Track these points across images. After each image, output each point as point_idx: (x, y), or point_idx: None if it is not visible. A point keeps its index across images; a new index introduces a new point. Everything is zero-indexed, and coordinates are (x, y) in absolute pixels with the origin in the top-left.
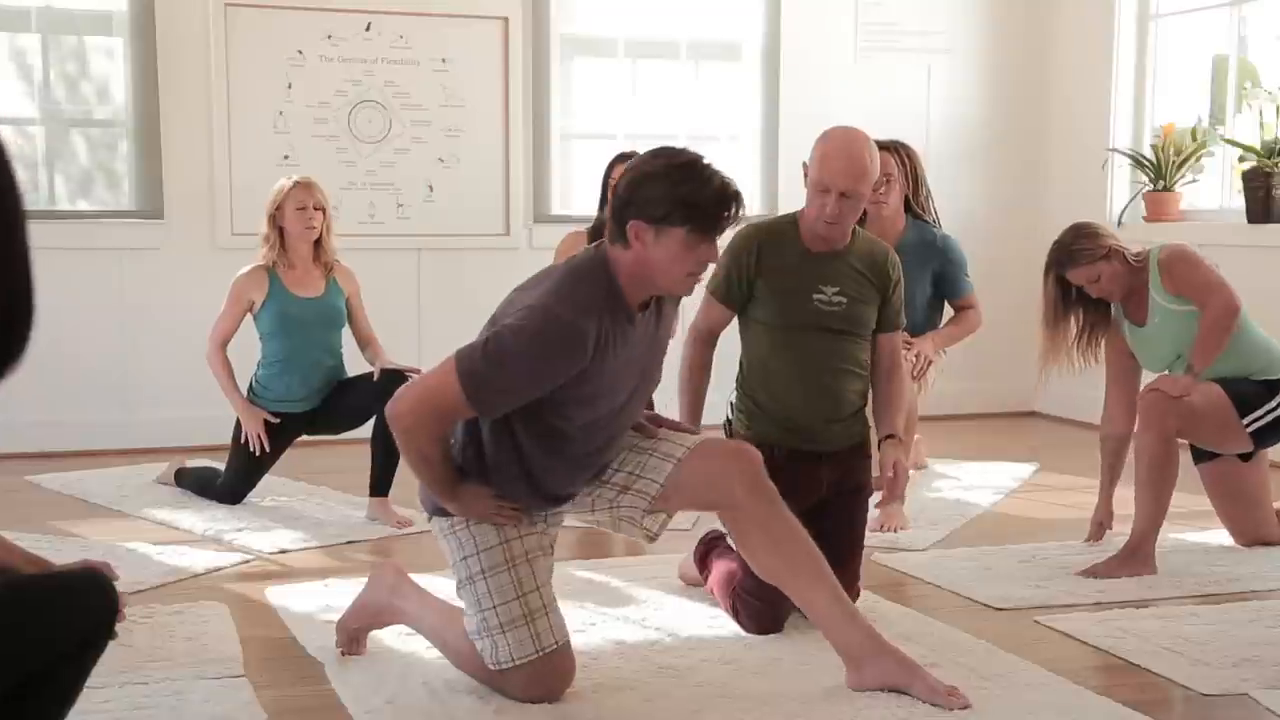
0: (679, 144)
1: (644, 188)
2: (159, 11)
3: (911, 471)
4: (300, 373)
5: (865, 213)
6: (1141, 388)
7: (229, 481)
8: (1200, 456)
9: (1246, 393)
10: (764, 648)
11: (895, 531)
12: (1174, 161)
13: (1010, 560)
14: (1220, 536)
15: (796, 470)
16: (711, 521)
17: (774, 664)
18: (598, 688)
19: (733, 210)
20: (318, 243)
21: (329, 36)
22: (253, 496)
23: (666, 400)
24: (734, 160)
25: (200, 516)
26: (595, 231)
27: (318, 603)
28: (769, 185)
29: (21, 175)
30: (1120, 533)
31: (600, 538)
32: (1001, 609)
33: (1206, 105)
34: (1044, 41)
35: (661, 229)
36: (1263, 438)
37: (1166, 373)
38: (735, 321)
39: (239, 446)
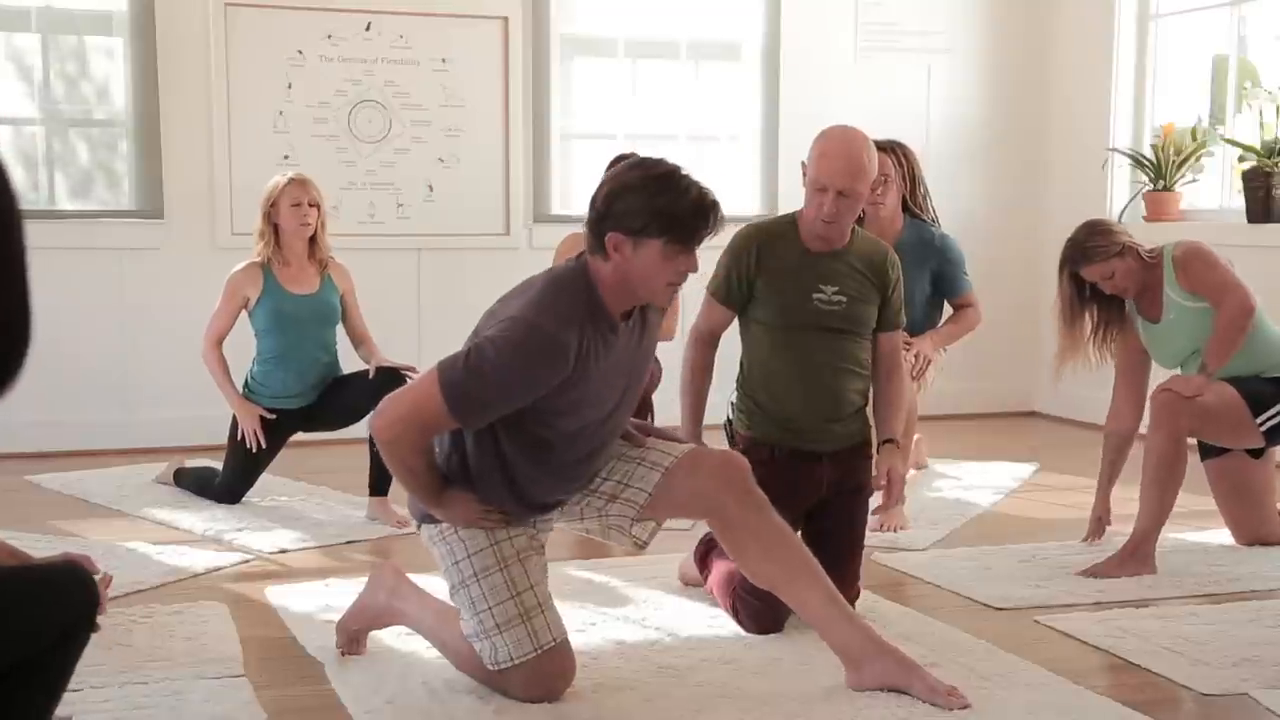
0: (679, 144)
1: (621, 199)
2: (159, 11)
3: (912, 471)
4: (295, 369)
5: (863, 213)
6: (1151, 385)
7: (227, 480)
8: (1208, 452)
9: (1259, 391)
10: (764, 648)
11: (895, 531)
12: (1174, 161)
13: (1010, 560)
14: (1220, 536)
15: (797, 470)
16: None
17: (774, 664)
18: (598, 688)
19: (710, 221)
20: (313, 239)
21: (329, 36)
22: (253, 496)
23: (669, 400)
24: (734, 160)
25: (200, 516)
26: None
27: (318, 603)
28: (769, 185)
29: (21, 187)
30: (1120, 532)
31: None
32: (1001, 609)
33: (1206, 105)
34: (1044, 41)
35: (640, 240)
36: (1275, 436)
37: (1179, 370)
38: (736, 322)
39: (236, 444)
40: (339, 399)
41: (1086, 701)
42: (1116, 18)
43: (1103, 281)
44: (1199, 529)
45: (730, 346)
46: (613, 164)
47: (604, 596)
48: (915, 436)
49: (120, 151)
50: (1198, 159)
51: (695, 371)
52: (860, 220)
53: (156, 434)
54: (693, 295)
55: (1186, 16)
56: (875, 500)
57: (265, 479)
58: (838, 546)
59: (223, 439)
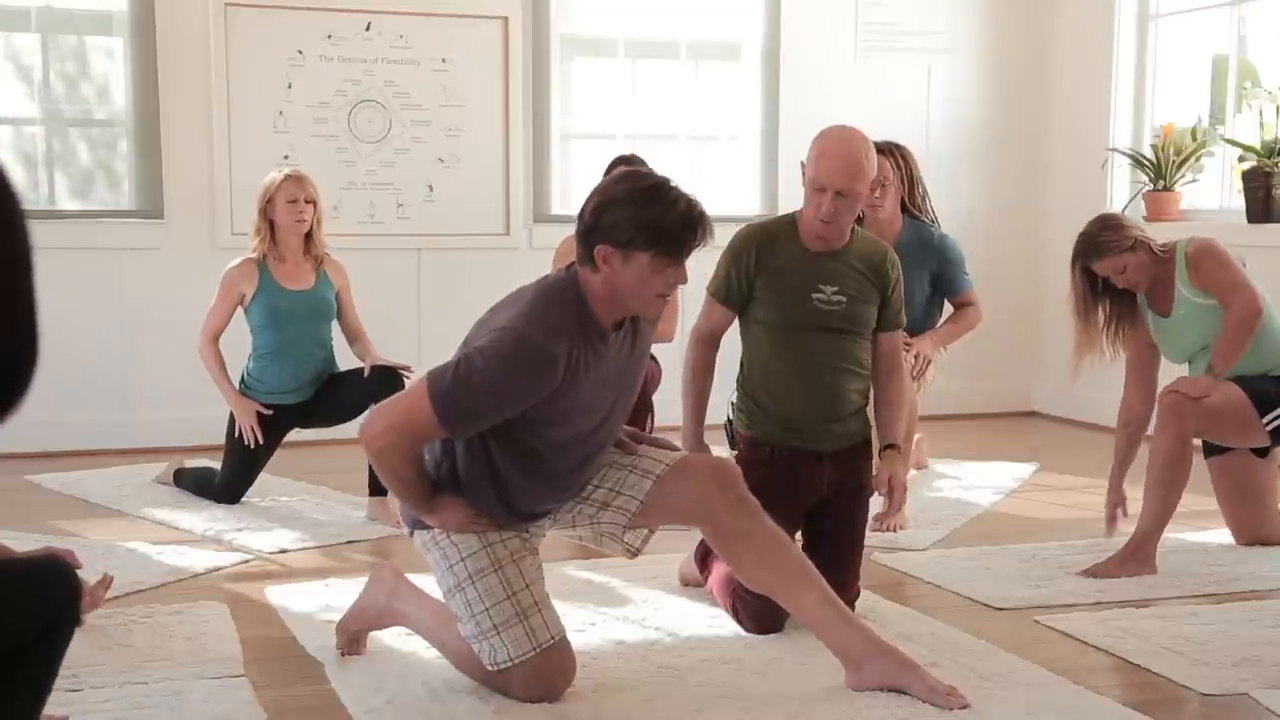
0: (679, 144)
1: (609, 213)
2: (159, 11)
3: (912, 471)
4: (290, 365)
5: (862, 215)
6: (1160, 380)
7: (226, 478)
8: (1211, 450)
9: (1265, 391)
10: (764, 648)
11: (895, 531)
12: (1174, 161)
13: (1010, 560)
14: (1220, 536)
15: (797, 470)
16: None
17: (774, 664)
18: (598, 688)
19: (699, 234)
20: (308, 236)
21: (329, 36)
22: (252, 496)
23: (669, 400)
24: (734, 160)
25: (200, 516)
26: None
27: (318, 603)
28: (769, 185)
29: (21, 187)
30: (1122, 532)
31: None
32: (1001, 609)
33: (1206, 105)
34: (1044, 41)
35: (628, 253)
36: None
37: (1188, 363)
38: (736, 322)
39: (233, 441)
40: (335, 396)
41: (1086, 701)
42: (1116, 18)
43: (1115, 276)
44: (1199, 529)
45: (731, 346)
46: (613, 165)
47: (604, 596)
48: (916, 436)
49: (120, 151)
50: (1198, 159)
51: (696, 372)
52: (859, 221)
53: (156, 434)
54: (693, 296)
55: (1186, 16)
56: (876, 503)
57: (265, 479)
58: (838, 546)
59: (222, 439)
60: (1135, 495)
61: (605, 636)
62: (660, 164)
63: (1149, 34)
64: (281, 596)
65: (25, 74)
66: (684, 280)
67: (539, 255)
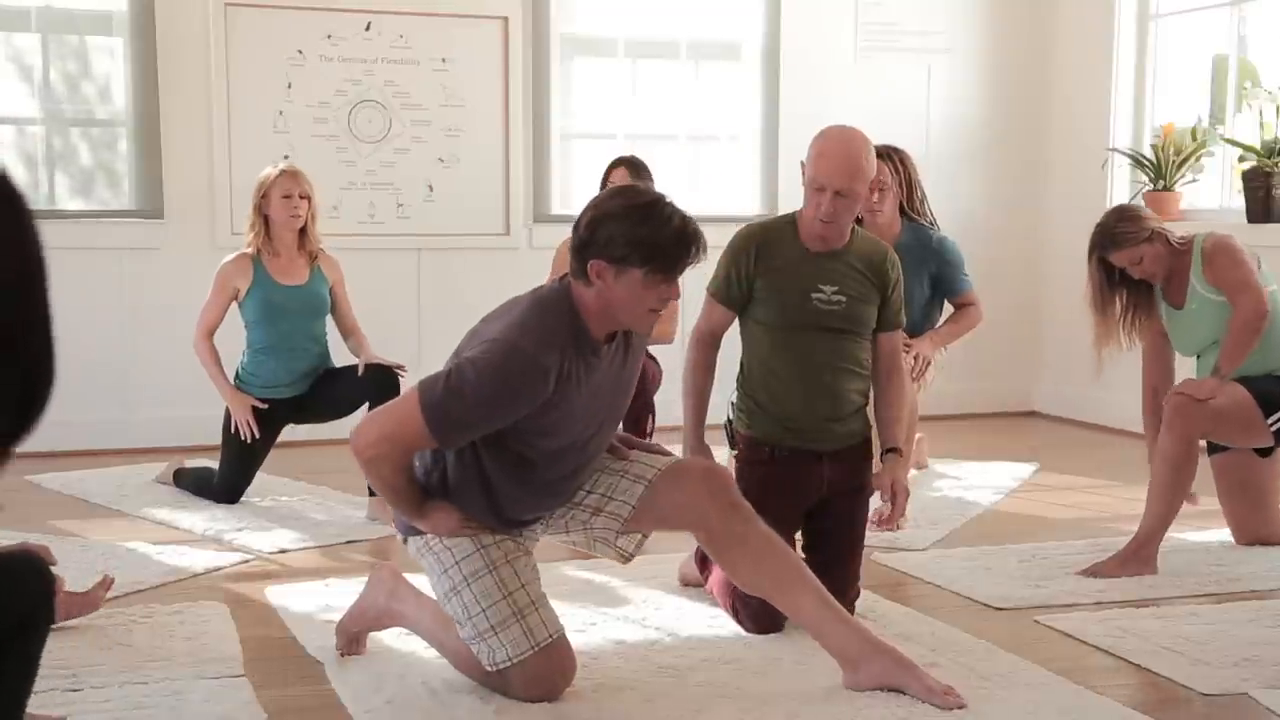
0: (679, 144)
1: (603, 228)
2: (159, 11)
3: (913, 471)
4: (285, 360)
5: (861, 219)
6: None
7: (224, 475)
8: (1214, 448)
9: (1271, 391)
10: (764, 648)
11: (895, 530)
12: (1174, 161)
13: (1010, 560)
14: (1220, 535)
15: (797, 470)
16: None
17: (774, 664)
18: (598, 688)
19: (692, 251)
20: (303, 231)
21: (329, 36)
22: (253, 496)
23: (670, 400)
24: (734, 160)
25: (200, 516)
26: None
27: (318, 603)
28: (769, 185)
29: (21, 187)
30: (1124, 531)
31: None
32: (1001, 609)
33: (1206, 105)
34: (1044, 41)
35: (621, 269)
36: None
37: (1196, 358)
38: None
39: (230, 436)
40: (330, 392)
41: (1086, 701)
42: (1116, 18)
43: (1131, 266)
44: (1199, 529)
45: (731, 346)
46: (612, 166)
47: (603, 596)
48: (917, 436)
49: (120, 151)
50: (1198, 159)
51: (696, 372)
52: (859, 224)
53: (156, 434)
54: (693, 297)
55: (1186, 16)
56: (875, 502)
57: (265, 479)
58: (838, 546)
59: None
60: (1136, 496)
61: (605, 636)
62: (660, 164)
63: (1149, 34)
64: (281, 596)
65: (26, 74)
66: (677, 296)
67: (539, 255)
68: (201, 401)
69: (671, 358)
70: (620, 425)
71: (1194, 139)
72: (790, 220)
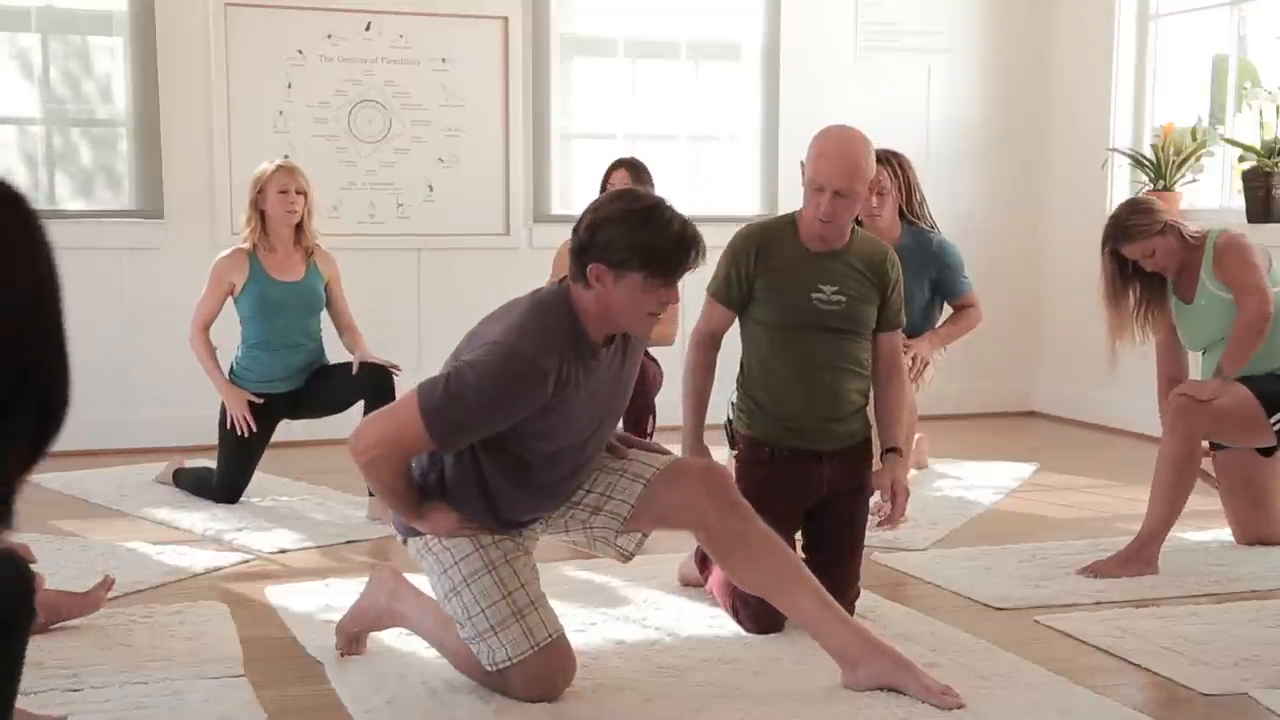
0: (679, 144)
1: (603, 232)
2: (159, 11)
3: (913, 471)
4: (280, 355)
5: (860, 223)
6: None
7: (223, 473)
8: (1216, 445)
9: (1273, 391)
10: (764, 648)
11: (895, 528)
12: (1174, 161)
13: (1010, 560)
14: (1220, 535)
15: (797, 470)
16: None
17: (774, 664)
18: (598, 688)
19: (692, 256)
20: (299, 227)
21: (329, 36)
22: (252, 496)
23: (670, 401)
24: (734, 160)
25: (200, 516)
26: None
27: (318, 603)
28: (769, 185)
29: (21, 188)
30: (1126, 531)
31: None
32: (1001, 609)
33: (1206, 105)
34: (1044, 41)
35: (620, 273)
36: None
37: (1203, 354)
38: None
39: (226, 432)
40: (324, 388)
41: (1086, 701)
42: (1116, 18)
43: (1143, 259)
44: (1199, 529)
45: (731, 346)
46: (612, 168)
47: (603, 596)
48: (917, 435)
49: (120, 151)
50: (1198, 159)
51: (696, 373)
52: (859, 225)
53: (156, 433)
54: (693, 299)
55: (1186, 16)
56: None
57: (265, 479)
58: (838, 546)
59: None
60: (1138, 496)
61: (605, 636)
62: (660, 164)
63: (1149, 34)
64: (281, 596)
65: (26, 74)
66: (676, 300)
67: (539, 255)
68: (201, 401)
69: (672, 359)
70: (620, 426)
71: (1194, 139)
72: (790, 220)
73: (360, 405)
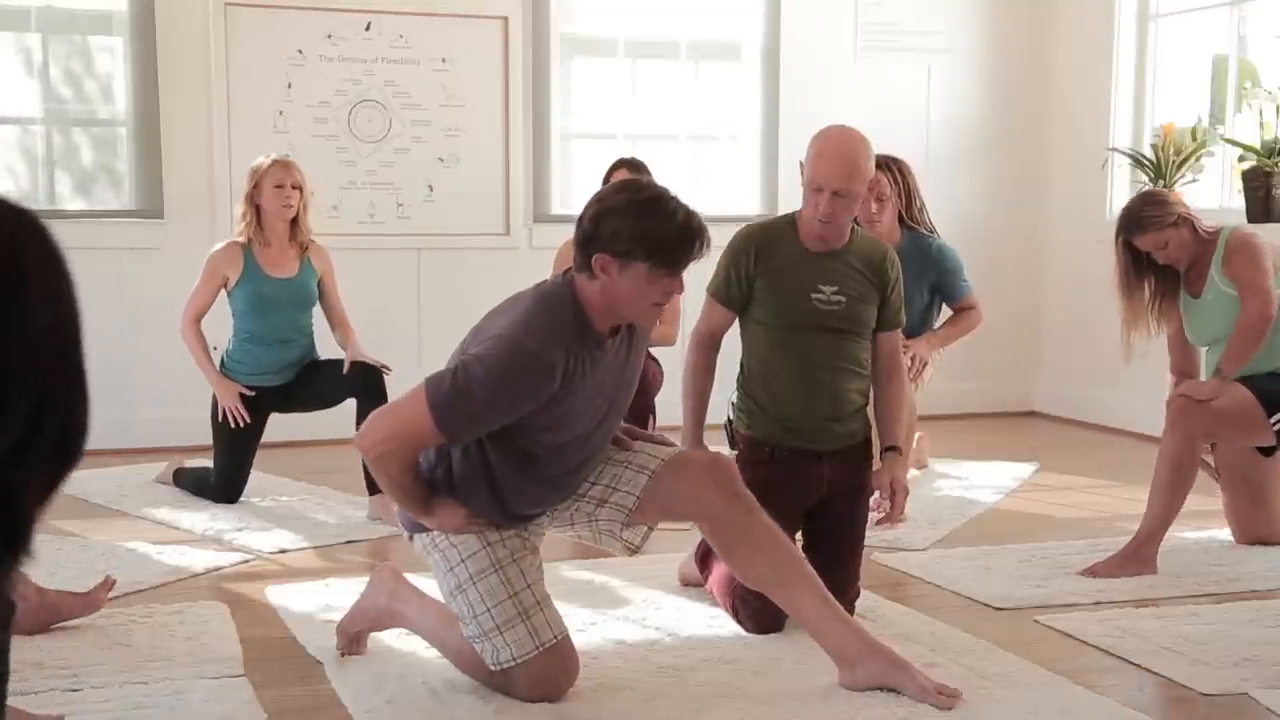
0: (679, 144)
1: (608, 222)
2: (159, 11)
3: (913, 471)
4: (271, 350)
5: (860, 226)
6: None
7: (220, 470)
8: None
9: (1273, 390)
10: (764, 648)
11: (895, 526)
12: (1174, 161)
13: (1010, 560)
14: (1220, 535)
15: (797, 469)
16: None
17: (774, 664)
18: (598, 688)
19: (696, 246)
20: (294, 222)
21: (329, 36)
22: (253, 496)
23: (670, 400)
24: (734, 160)
25: (200, 516)
26: None
27: (318, 603)
28: (769, 185)
29: (22, 187)
30: (1124, 530)
31: None
32: (1001, 609)
33: (1206, 105)
34: (1044, 41)
35: (625, 263)
36: None
37: (1207, 350)
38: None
39: (219, 425)
40: (315, 383)
41: (1086, 701)
42: (1116, 18)
43: (1156, 251)
44: (1199, 529)
45: (731, 346)
46: (613, 167)
47: (604, 596)
48: (918, 435)
49: (120, 151)
50: (1198, 159)
51: (696, 373)
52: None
53: (156, 433)
54: (694, 299)
55: (1186, 16)
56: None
57: (266, 479)
58: (838, 546)
59: None
60: (1137, 496)
61: (605, 636)
62: (660, 164)
63: (1149, 34)
64: (281, 596)
65: (27, 74)
66: (681, 290)
67: (539, 255)
68: (201, 401)
69: (673, 359)
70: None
71: (1194, 139)
72: (790, 220)
73: (352, 403)
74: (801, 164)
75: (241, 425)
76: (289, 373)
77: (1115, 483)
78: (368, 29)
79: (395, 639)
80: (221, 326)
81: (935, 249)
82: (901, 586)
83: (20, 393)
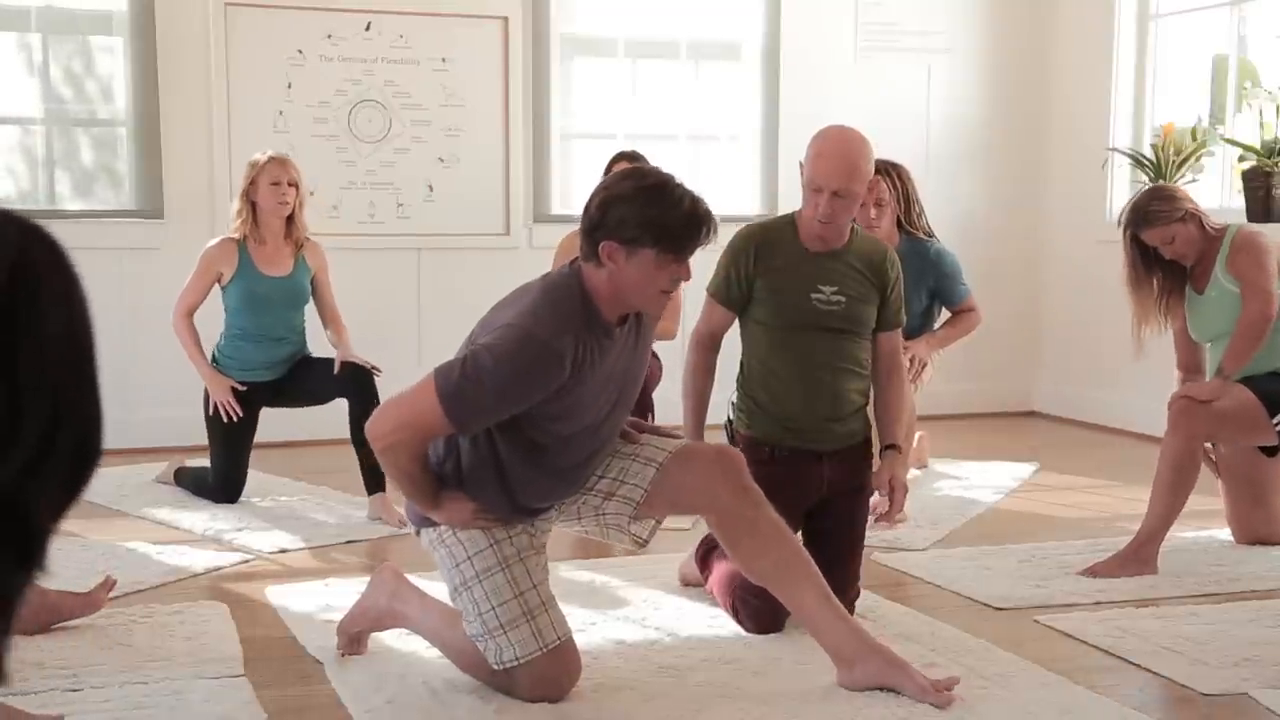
0: (679, 144)
1: (614, 209)
2: (159, 11)
3: (913, 471)
4: (263, 347)
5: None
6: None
7: (217, 469)
8: None
9: (1275, 391)
10: (764, 648)
11: (894, 526)
12: (1174, 161)
13: (1010, 560)
14: (1220, 535)
15: (797, 469)
16: None
17: (774, 664)
18: (598, 688)
19: (703, 232)
20: (290, 219)
21: (329, 36)
22: (253, 496)
23: (671, 399)
24: (734, 160)
25: (200, 516)
26: None
27: (318, 603)
28: (769, 185)
29: (22, 187)
30: (1124, 530)
31: None
32: (1001, 609)
33: (1206, 105)
34: (1044, 41)
35: (633, 250)
36: None
37: (1209, 346)
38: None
39: (212, 420)
40: (305, 379)
41: (1086, 701)
42: (1116, 18)
43: (1163, 246)
44: (1199, 529)
45: (731, 346)
46: (613, 161)
47: (604, 596)
48: (918, 434)
49: (121, 151)
50: (1198, 159)
51: (696, 373)
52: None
53: (156, 434)
54: (695, 297)
55: (1186, 16)
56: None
57: (266, 479)
58: (838, 546)
59: None
60: (1138, 496)
61: (605, 636)
62: (660, 164)
63: (1149, 34)
64: (281, 596)
65: (27, 74)
66: (688, 277)
67: (539, 255)
68: (201, 401)
69: (673, 356)
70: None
71: (1194, 139)
72: (790, 220)
73: (343, 402)
74: (801, 164)
75: (234, 419)
76: (280, 369)
77: (1115, 483)
78: (368, 29)
79: (395, 639)
80: (213, 322)
81: (934, 254)
82: (901, 586)
83: (34, 403)
